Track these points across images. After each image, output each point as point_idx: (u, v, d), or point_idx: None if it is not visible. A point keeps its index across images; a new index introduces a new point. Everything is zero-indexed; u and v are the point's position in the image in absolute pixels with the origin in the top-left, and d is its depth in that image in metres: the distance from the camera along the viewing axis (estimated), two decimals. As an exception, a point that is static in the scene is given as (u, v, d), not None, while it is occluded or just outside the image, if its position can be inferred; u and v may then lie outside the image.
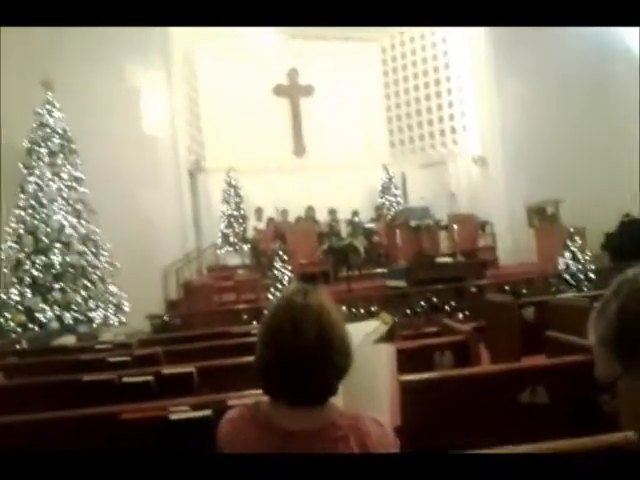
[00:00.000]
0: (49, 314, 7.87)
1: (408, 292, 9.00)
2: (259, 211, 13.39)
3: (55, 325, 7.88)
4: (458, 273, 9.57)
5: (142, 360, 3.71)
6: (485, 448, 1.47)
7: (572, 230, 10.11)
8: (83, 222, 8.51)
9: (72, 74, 9.73)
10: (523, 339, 4.49)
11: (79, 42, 9.98)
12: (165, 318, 8.59)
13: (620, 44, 11.58)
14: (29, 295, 7.92)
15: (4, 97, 8.90)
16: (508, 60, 12.54)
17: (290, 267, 9.72)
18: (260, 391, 1.48)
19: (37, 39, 9.22)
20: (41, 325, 7.84)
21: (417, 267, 9.82)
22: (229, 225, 13.11)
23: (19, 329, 7.76)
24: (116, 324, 8.54)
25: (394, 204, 14.20)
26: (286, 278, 9.49)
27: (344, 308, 8.13)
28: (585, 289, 8.89)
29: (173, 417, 2.19)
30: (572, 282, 9.35)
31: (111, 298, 8.57)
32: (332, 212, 13.47)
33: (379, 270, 11.45)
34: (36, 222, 8.21)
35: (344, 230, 13.14)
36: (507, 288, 8.75)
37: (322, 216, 13.52)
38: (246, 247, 12.88)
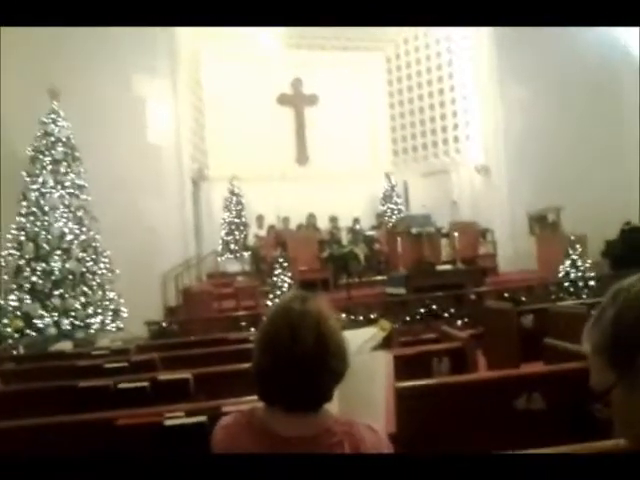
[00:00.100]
0: (47, 320, 7.88)
1: (407, 299, 9.00)
2: (260, 218, 13.41)
3: (52, 331, 7.88)
4: (458, 280, 9.58)
5: (138, 366, 3.70)
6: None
7: (573, 238, 10.11)
8: (84, 229, 8.53)
9: (77, 82, 9.80)
10: (522, 346, 4.48)
11: (84, 50, 10.07)
12: (163, 324, 8.58)
13: (620, 46, 11.59)
14: (28, 301, 7.93)
15: (6, 103, 8.94)
16: (512, 70, 12.59)
17: (290, 274, 9.72)
18: (255, 397, 1.47)
19: (42, 46, 9.29)
20: (38, 331, 7.84)
21: (417, 274, 9.82)
22: (230, 232, 13.13)
23: (16, 335, 7.76)
24: (114, 330, 8.54)
25: (396, 212, 14.21)
26: (286, 285, 9.48)
27: (344, 315, 8.12)
28: (584, 296, 8.88)
29: (168, 423, 2.18)
30: (571, 289, 9.34)
31: (109, 304, 8.57)
32: (333, 219, 13.48)
33: (379, 277, 11.45)
34: (37, 229, 8.22)
35: (345, 237, 13.14)
36: (506, 295, 8.74)
37: (323, 223, 13.53)
38: (246, 254, 12.89)
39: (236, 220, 13.20)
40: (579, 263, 9.81)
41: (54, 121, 8.60)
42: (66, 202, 8.46)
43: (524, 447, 1.48)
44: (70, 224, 8.40)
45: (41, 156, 8.47)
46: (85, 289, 8.32)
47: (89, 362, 4.06)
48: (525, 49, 12.29)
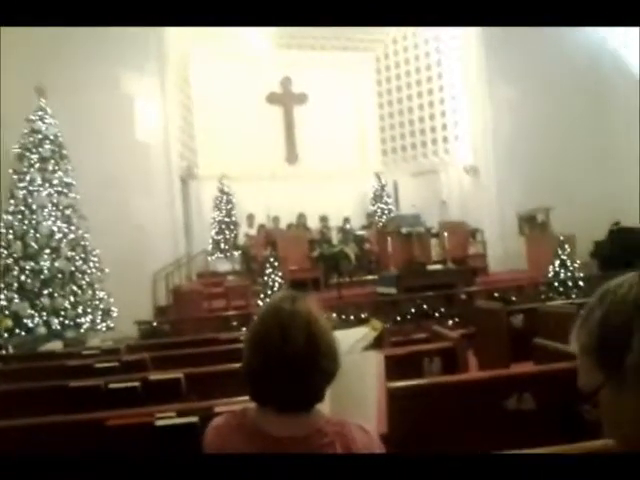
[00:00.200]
0: (36, 319, 7.83)
1: (398, 299, 9.02)
2: (250, 218, 13.39)
3: (42, 331, 7.83)
4: (448, 280, 9.61)
5: (129, 366, 3.69)
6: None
7: (562, 238, 10.17)
8: (73, 228, 8.48)
9: (65, 80, 9.76)
10: (512, 346, 4.50)
11: (73, 48, 10.02)
12: (154, 324, 8.55)
13: (608, 47, 11.68)
14: (17, 300, 7.87)
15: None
16: (501, 70, 12.64)
17: (280, 273, 9.71)
18: (247, 398, 1.47)
19: (30, 44, 9.22)
20: (28, 330, 7.79)
21: (407, 274, 9.85)
22: (220, 231, 13.11)
23: (6, 334, 7.70)
24: (104, 330, 8.50)
25: (386, 212, 14.25)
26: (276, 284, 9.48)
27: (334, 315, 8.13)
28: (574, 296, 8.94)
29: (159, 423, 2.17)
30: (561, 289, 9.40)
31: (99, 304, 8.53)
32: (323, 219, 13.48)
33: (370, 277, 11.46)
34: (25, 228, 8.17)
35: (335, 237, 13.15)
36: (496, 295, 8.78)
37: (313, 223, 13.54)
38: (237, 253, 12.87)
39: (226, 219, 13.18)
40: (568, 263, 9.87)
41: (41, 118, 8.54)
42: (54, 200, 8.40)
43: (515, 447, 1.49)
44: (59, 223, 8.34)
45: (28, 154, 8.41)
46: (74, 288, 8.27)
47: (79, 362, 4.04)
48: (513, 49, 12.35)
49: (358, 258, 11.99)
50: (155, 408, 2.42)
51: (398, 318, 8.44)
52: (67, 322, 8.05)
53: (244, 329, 6.50)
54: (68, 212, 8.51)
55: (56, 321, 7.95)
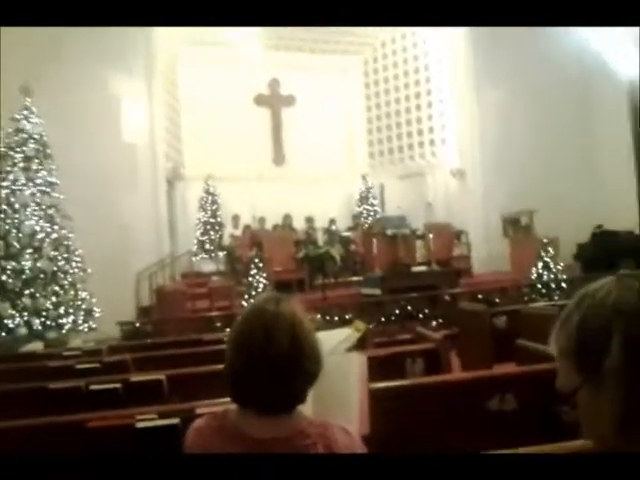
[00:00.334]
0: (17, 320, 7.73)
1: (383, 300, 9.04)
2: (236, 218, 13.36)
3: (23, 331, 7.74)
4: (433, 281, 9.65)
5: (111, 367, 3.66)
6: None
7: (545, 240, 10.26)
8: (56, 227, 8.40)
9: (53, 80, 9.69)
10: (495, 347, 4.53)
11: (59, 48, 9.93)
12: (136, 324, 8.49)
13: (592, 51, 11.81)
14: (-3, 300, 7.78)
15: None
16: (488, 74, 12.73)
17: (265, 274, 9.69)
18: (229, 399, 1.46)
19: (16, 43, 9.12)
20: (9, 331, 7.70)
21: (392, 275, 9.88)
22: (205, 232, 13.07)
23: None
24: (86, 330, 8.42)
25: (371, 213, 14.29)
26: (261, 285, 9.45)
27: (319, 316, 8.13)
28: (556, 298, 9.02)
29: (140, 425, 2.15)
30: (544, 291, 9.48)
31: (81, 304, 8.45)
32: (309, 220, 13.49)
33: (355, 278, 11.48)
34: (7, 227, 8.07)
35: (321, 238, 13.16)
36: (480, 297, 8.83)
37: (299, 224, 13.53)
38: (221, 254, 12.84)
39: (211, 220, 13.15)
40: (551, 265, 9.96)
41: (26, 118, 8.47)
42: (37, 200, 8.33)
43: (497, 447, 1.50)
44: (41, 222, 8.26)
45: (12, 153, 8.33)
46: (57, 288, 8.19)
47: (60, 363, 4.00)
48: (501, 54, 12.44)
49: (343, 259, 12.00)
50: (136, 410, 2.40)
51: (382, 319, 8.46)
52: (48, 322, 7.96)
53: (228, 330, 6.47)
54: (51, 212, 8.43)
55: (37, 321, 7.86)
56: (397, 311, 8.64)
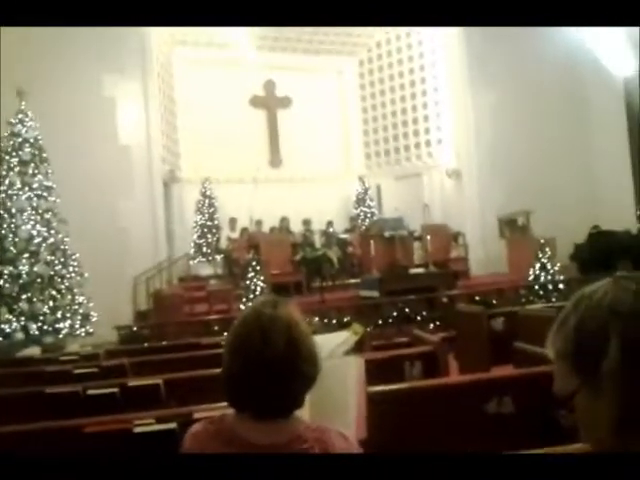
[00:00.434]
0: (14, 325, 7.71)
1: (380, 302, 9.04)
2: (233, 221, 13.34)
3: (20, 336, 7.72)
4: (430, 283, 9.66)
5: (108, 372, 3.65)
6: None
7: (542, 241, 10.27)
8: (52, 232, 8.38)
9: (46, 82, 9.68)
10: (492, 349, 4.53)
11: (54, 50, 9.94)
12: (134, 329, 8.47)
13: (586, 50, 11.85)
14: (-6, 306, 7.76)
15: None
16: (483, 75, 12.76)
17: (263, 277, 9.68)
18: (226, 404, 1.46)
19: (10, 46, 9.11)
20: (6, 336, 7.68)
21: (390, 277, 9.88)
22: (202, 235, 13.06)
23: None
24: (83, 335, 8.40)
25: (369, 215, 14.29)
26: (259, 288, 9.44)
27: (316, 319, 8.13)
28: (554, 299, 9.03)
29: (137, 430, 2.15)
30: (541, 293, 9.49)
31: (78, 308, 8.43)
32: (306, 222, 13.48)
33: (352, 281, 11.48)
34: (4, 232, 8.06)
35: (318, 241, 13.15)
36: (477, 298, 8.84)
37: (296, 227, 13.53)
38: (219, 257, 12.82)
39: (208, 223, 13.14)
40: (548, 266, 9.97)
41: (21, 121, 8.45)
42: (34, 204, 8.30)
43: (495, 450, 1.49)
44: (38, 227, 8.24)
45: (8, 157, 8.31)
46: (54, 293, 8.17)
47: (58, 368, 3.98)
48: (495, 54, 12.48)
49: (341, 262, 11.99)
50: (134, 414, 2.39)
51: (380, 322, 8.46)
52: (46, 327, 7.94)
53: (226, 334, 6.46)
54: (48, 216, 8.41)
55: (34, 326, 7.84)
56: (395, 313, 8.64)
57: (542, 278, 9.89)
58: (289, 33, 13.30)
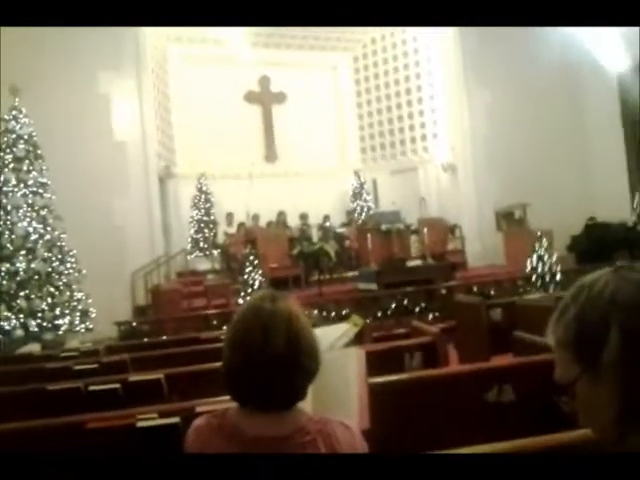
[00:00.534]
0: (13, 322, 7.71)
1: (379, 295, 9.06)
2: (230, 216, 13.33)
3: (19, 333, 7.72)
4: (428, 275, 9.68)
5: (109, 367, 3.65)
6: (454, 448, 1.48)
7: (539, 233, 10.28)
8: (49, 228, 8.37)
9: (40, 79, 9.63)
10: (491, 339, 4.55)
11: (48, 47, 9.90)
12: (133, 324, 8.48)
13: (582, 49, 11.85)
14: (-8, 303, 7.75)
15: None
16: (479, 69, 12.75)
17: (261, 272, 9.69)
18: (229, 397, 1.47)
19: (4, 43, 9.06)
20: (5, 333, 7.67)
21: (387, 270, 9.90)
22: (199, 230, 13.05)
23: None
24: (82, 331, 8.40)
25: (365, 209, 14.30)
26: (257, 283, 9.45)
27: (315, 312, 8.14)
28: (551, 290, 9.05)
29: (140, 425, 2.15)
30: (539, 283, 9.51)
31: (77, 305, 8.43)
32: (303, 217, 13.49)
33: (350, 274, 11.49)
34: (0, 229, 8.04)
35: (315, 235, 13.16)
36: (475, 290, 8.86)
37: (293, 221, 13.54)
38: (216, 252, 12.82)
39: (205, 218, 13.13)
40: (545, 258, 9.98)
41: (15, 118, 8.42)
42: (29, 201, 8.29)
43: (496, 439, 1.51)
44: (34, 223, 8.23)
45: (2, 154, 8.28)
46: (52, 289, 8.17)
47: (58, 364, 3.98)
48: (491, 49, 12.46)
49: (338, 255, 11.99)
50: (136, 410, 2.40)
51: (379, 314, 8.47)
52: (45, 324, 7.94)
53: (224, 328, 6.47)
54: (44, 213, 8.40)
55: (33, 323, 7.84)
56: (393, 305, 8.66)
57: (539, 269, 9.91)
58: (283, 29, 13.26)
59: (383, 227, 10.92)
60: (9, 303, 7.84)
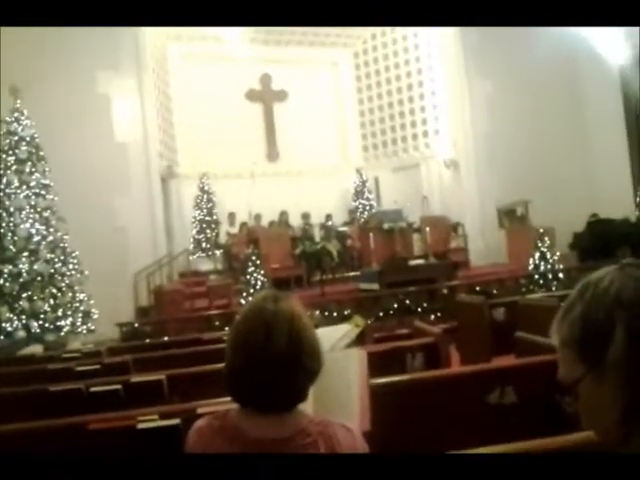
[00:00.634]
0: (15, 323, 7.72)
1: (380, 295, 9.04)
2: (232, 216, 13.33)
3: (22, 334, 7.73)
4: (430, 275, 9.66)
5: (111, 369, 3.65)
6: (456, 450, 1.48)
7: (541, 230, 10.28)
8: (51, 230, 8.38)
9: (40, 79, 9.64)
10: (494, 339, 4.53)
11: (48, 48, 9.90)
12: (135, 325, 8.48)
13: (584, 44, 11.82)
14: (-5, 304, 7.77)
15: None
16: (480, 64, 12.73)
17: (263, 272, 9.68)
18: (230, 399, 1.46)
19: (4, 44, 9.07)
20: (7, 334, 7.69)
21: (389, 270, 9.88)
22: (201, 230, 13.05)
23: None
24: (84, 332, 8.41)
25: (367, 207, 14.28)
26: (259, 283, 9.45)
27: (317, 312, 8.13)
28: (554, 288, 9.04)
29: (141, 426, 2.15)
30: (541, 282, 9.50)
31: (79, 306, 8.44)
32: (305, 216, 13.48)
33: (352, 273, 11.48)
34: (3, 231, 8.05)
35: (317, 234, 13.15)
36: (478, 289, 8.84)
37: (295, 220, 13.53)
38: (218, 252, 12.82)
39: (207, 218, 13.14)
40: (548, 255, 9.97)
41: (17, 120, 8.43)
42: (32, 202, 8.30)
43: (498, 441, 1.50)
44: (37, 225, 8.24)
45: (4, 156, 8.30)
46: (54, 291, 8.19)
47: (60, 365, 3.99)
48: (492, 45, 12.44)
49: (340, 255, 11.99)
50: (137, 411, 2.40)
51: (380, 314, 8.46)
52: (47, 325, 7.96)
53: (227, 329, 6.47)
54: (46, 214, 8.41)
55: (36, 324, 7.85)
56: (395, 305, 8.65)
57: (542, 267, 9.90)
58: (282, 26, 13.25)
59: (385, 226, 10.91)
60: (11, 304, 7.86)
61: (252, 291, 9.23)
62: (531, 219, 11.42)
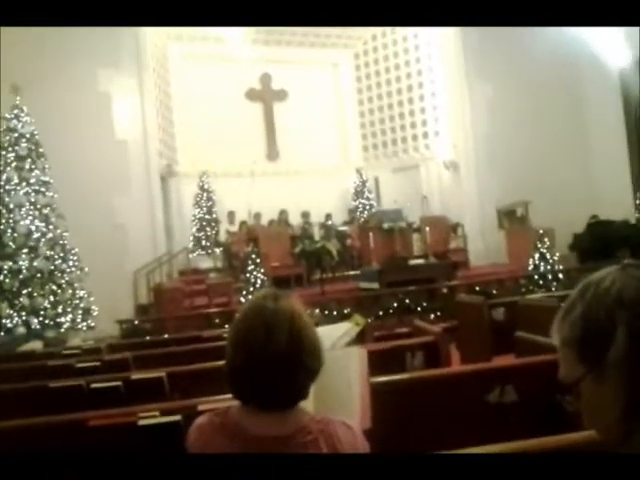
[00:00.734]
0: (15, 319, 7.73)
1: (380, 294, 9.05)
2: (231, 214, 13.33)
3: (21, 330, 7.74)
4: (430, 274, 9.66)
5: (111, 365, 3.65)
6: (456, 449, 1.48)
7: (541, 231, 10.28)
8: (51, 227, 8.38)
9: (41, 78, 9.63)
10: (494, 339, 4.54)
11: (49, 46, 9.89)
12: (135, 322, 8.49)
13: (583, 45, 11.82)
14: (-5, 301, 7.77)
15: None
16: (480, 66, 12.73)
17: (263, 270, 9.69)
18: (230, 396, 1.47)
19: (4, 41, 9.07)
20: (7, 331, 7.69)
21: (389, 269, 9.89)
22: (201, 229, 13.06)
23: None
24: (84, 329, 8.42)
25: (367, 207, 14.29)
26: (259, 281, 9.45)
27: (317, 310, 8.14)
28: (553, 289, 9.05)
29: (142, 423, 2.15)
30: (541, 282, 9.50)
31: (79, 303, 8.45)
32: (305, 215, 13.48)
33: (352, 272, 11.49)
34: (2, 227, 8.06)
35: (317, 233, 13.15)
36: (478, 289, 8.85)
37: (295, 219, 13.53)
38: (218, 250, 12.83)
39: (207, 216, 13.14)
40: (548, 256, 9.98)
41: (17, 117, 8.43)
42: (32, 199, 8.30)
43: (498, 440, 1.51)
44: (36, 222, 8.25)
45: (4, 152, 8.30)
46: (54, 287, 8.19)
47: (60, 362, 3.99)
48: (492, 46, 12.44)
49: (340, 254, 11.99)
50: (138, 407, 2.40)
51: (380, 313, 8.47)
52: (47, 322, 7.96)
53: (227, 326, 6.47)
54: (46, 211, 8.41)
55: (36, 321, 7.86)
56: (395, 304, 8.65)
57: (541, 268, 9.91)
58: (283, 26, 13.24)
59: (385, 225, 10.90)
60: (11, 301, 7.86)
61: (252, 289, 9.23)
62: (531, 220, 11.42)
